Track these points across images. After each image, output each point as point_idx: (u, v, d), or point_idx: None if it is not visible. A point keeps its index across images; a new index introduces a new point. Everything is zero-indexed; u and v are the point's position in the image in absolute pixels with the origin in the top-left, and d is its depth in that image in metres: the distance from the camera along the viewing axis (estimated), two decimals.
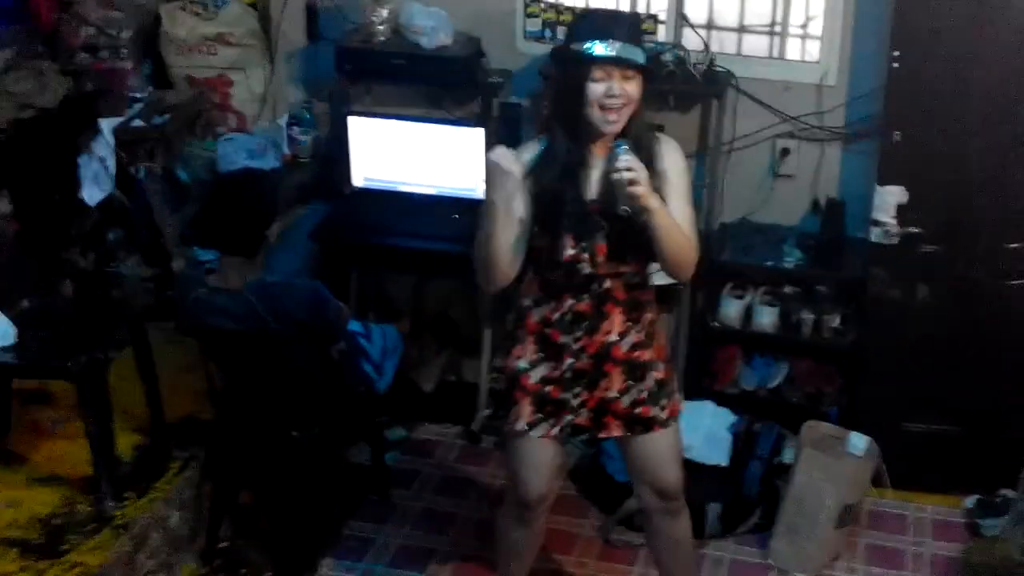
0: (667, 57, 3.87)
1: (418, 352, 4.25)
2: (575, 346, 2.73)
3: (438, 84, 4.18)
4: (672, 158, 2.68)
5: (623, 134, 2.60)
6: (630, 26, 2.61)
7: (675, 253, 2.62)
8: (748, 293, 4.02)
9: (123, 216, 4.03)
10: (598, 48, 2.52)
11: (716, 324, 4.01)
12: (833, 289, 3.95)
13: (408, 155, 4.02)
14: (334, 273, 3.98)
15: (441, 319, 4.39)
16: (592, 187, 2.66)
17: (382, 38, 4.13)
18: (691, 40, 4.02)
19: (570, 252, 2.65)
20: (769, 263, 3.95)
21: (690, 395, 4.01)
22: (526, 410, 2.78)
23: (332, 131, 4.35)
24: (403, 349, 3.78)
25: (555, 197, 2.63)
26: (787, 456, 3.68)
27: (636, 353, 2.76)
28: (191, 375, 3.65)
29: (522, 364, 2.78)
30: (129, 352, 3.40)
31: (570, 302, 2.71)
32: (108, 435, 3.21)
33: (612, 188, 2.54)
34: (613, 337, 2.73)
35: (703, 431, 3.72)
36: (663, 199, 2.60)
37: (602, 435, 2.84)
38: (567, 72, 2.60)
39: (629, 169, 2.48)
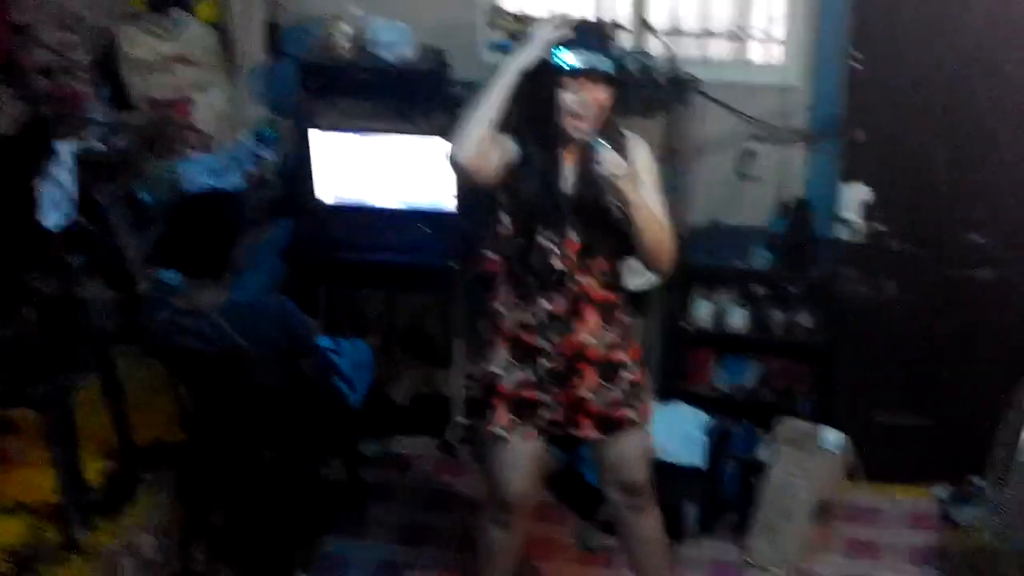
0: (631, 64, 3.88)
1: (390, 366, 4.23)
2: (549, 349, 2.75)
3: (403, 97, 4.17)
4: (641, 155, 2.74)
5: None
6: (600, 35, 2.67)
7: (656, 244, 2.66)
8: (719, 295, 4.04)
9: (86, 240, 3.99)
10: (568, 58, 2.57)
11: (688, 327, 4.02)
12: (802, 288, 3.97)
13: (374, 169, 4.01)
14: (302, 290, 3.95)
15: (412, 332, 4.38)
16: (564, 186, 2.70)
17: (345, 53, 4.12)
18: (654, 46, 4.03)
19: (544, 244, 2.69)
20: (739, 264, 3.97)
21: (664, 397, 4.02)
22: (503, 415, 2.80)
23: (296, 148, 4.33)
24: (375, 363, 3.76)
25: (530, 200, 2.67)
26: (762, 454, 3.69)
27: (611, 354, 2.78)
28: (158, 398, 3.60)
29: (496, 369, 2.80)
30: (95, 377, 3.36)
31: (543, 304, 2.73)
32: (75, 462, 3.17)
33: (595, 183, 2.60)
34: (587, 338, 2.75)
35: (678, 433, 3.72)
36: None
37: (575, 433, 2.85)
38: (538, 81, 2.63)
39: (613, 163, 2.55)
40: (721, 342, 4.07)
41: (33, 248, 3.80)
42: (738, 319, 3.98)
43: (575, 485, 3.74)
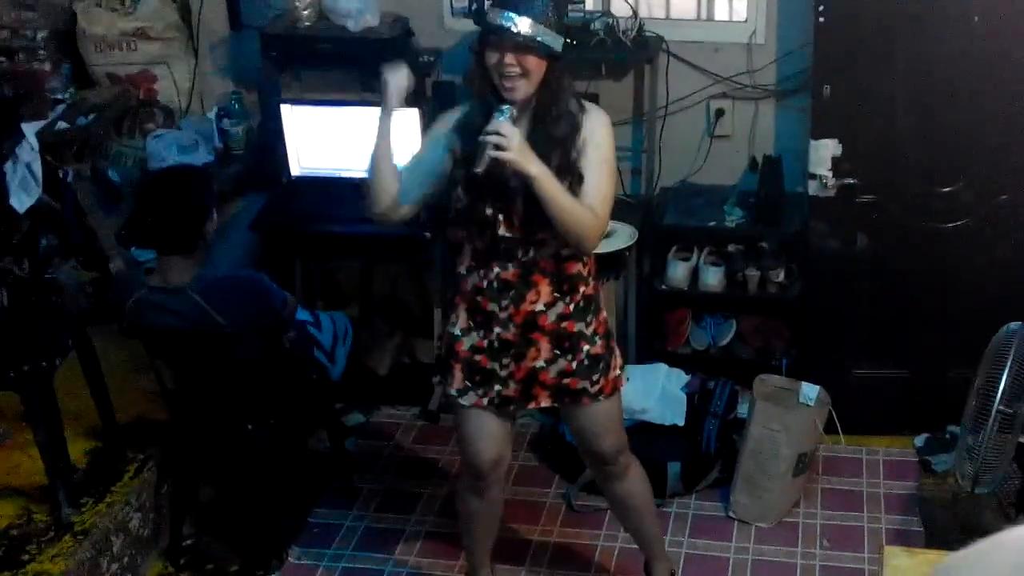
0: (596, 25, 3.88)
1: (370, 336, 4.23)
2: (502, 315, 2.73)
3: (368, 66, 4.12)
4: (593, 129, 2.66)
5: (538, 102, 2.59)
6: (542, 4, 2.54)
7: (564, 222, 2.58)
8: (693, 254, 4.06)
9: (55, 221, 3.94)
10: (491, 17, 2.54)
11: (664, 287, 4.04)
12: (776, 244, 3.99)
13: (343, 140, 3.98)
14: (278, 263, 3.94)
15: (391, 302, 4.37)
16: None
17: (307, 23, 4.07)
18: (619, 7, 4.03)
19: (491, 217, 2.66)
20: (711, 223, 3.99)
21: (642, 358, 4.06)
22: (457, 376, 2.81)
23: (263, 121, 4.30)
24: (354, 334, 3.76)
25: (471, 160, 2.61)
26: (741, 411, 3.74)
27: (564, 324, 2.75)
28: (138, 376, 3.59)
29: (456, 331, 2.80)
30: (74, 358, 3.34)
31: (497, 270, 2.71)
32: (60, 442, 3.16)
33: (479, 147, 2.54)
34: (539, 307, 2.73)
35: (658, 393, 3.76)
36: (579, 170, 2.61)
37: (531, 406, 2.85)
38: (478, 35, 2.64)
39: (498, 133, 2.49)
40: (697, 301, 4.09)
41: (4, 231, 3.76)
42: (713, 278, 4.01)
43: (558, 447, 3.77)
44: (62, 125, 4.02)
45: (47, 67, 4.24)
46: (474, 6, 4.11)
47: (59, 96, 4.18)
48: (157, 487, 3.39)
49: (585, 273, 2.77)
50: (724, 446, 3.70)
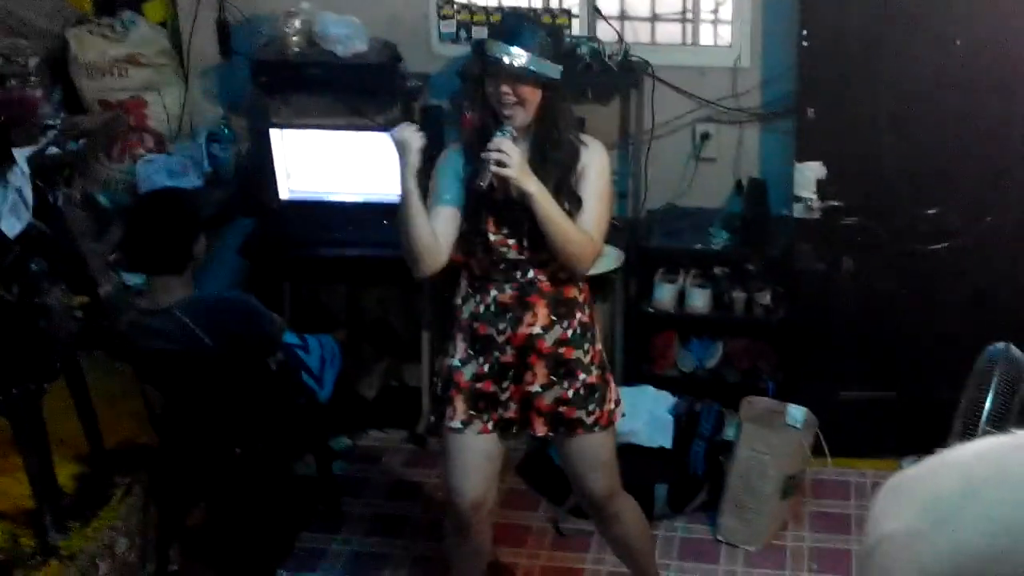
0: (583, 50, 3.91)
1: (358, 360, 4.24)
2: (500, 339, 2.75)
3: (356, 92, 4.16)
4: (592, 159, 2.74)
5: (537, 128, 2.68)
6: (538, 34, 2.65)
7: (560, 242, 2.65)
8: (680, 277, 4.08)
9: (44, 245, 3.95)
10: (489, 49, 2.62)
11: (651, 309, 4.06)
12: (761, 267, 4.01)
13: (332, 164, 4.01)
14: (266, 287, 3.95)
15: (379, 325, 4.38)
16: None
17: (296, 49, 4.10)
18: (605, 32, 4.07)
19: (493, 237, 2.71)
20: (698, 246, 4.01)
21: (629, 381, 4.07)
22: (460, 407, 2.80)
23: (252, 145, 4.32)
24: (342, 358, 3.77)
25: (478, 191, 2.67)
26: (729, 433, 3.74)
27: (561, 349, 2.77)
28: (127, 400, 3.59)
29: (455, 362, 2.80)
30: (61, 382, 3.34)
31: (494, 293, 2.74)
32: (47, 466, 3.15)
33: (481, 164, 2.62)
34: (536, 330, 2.75)
35: (645, 415, 3.76)
36: (578, 195, 2.68)
37: (528, 432, 2.85)
38: (478, 66, 2.74)
39: (499, 151, 2.57)
40: (683, 324, 4.11)
41: None
42: (699, 300, 4.03)
43: (547, 471, 3.77)
44: (53, 150, 4.02)
45: (39, 93, 4.24)
46: (462, 34, 4.16)
47: (50, 122, 4.18)
48: (144, 511, 3.38)
49: (581, 300, 2.80)
50: (711, 468, 3.71)
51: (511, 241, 2.71)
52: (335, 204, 4.03)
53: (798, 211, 3.72)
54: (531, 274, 2.73)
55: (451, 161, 2.78)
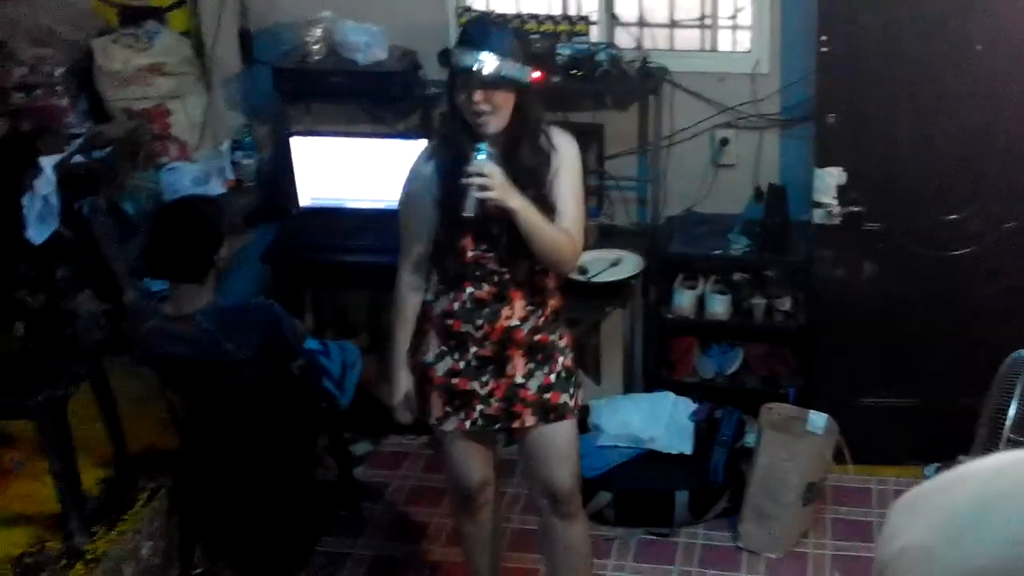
0: (601, 57, 3.92)
1: (378, 366, 4.25)
2: (477, 334, 2.73)
3: (377, 99, 4.20)
4: (564, 154, 2.70)
5: (510, 133, 2.61)
6: (506, 38, 2.58)
7: (545, 250, 2.64)
8: (699, 283, 4.08)
9: (71, 252, 4.00)
10: (457, 58, 2.56)
11: (670, 316, 4.06)
12: (781, 273, 4.01)
13: (352, 171, 4.04)
14: (288, 293, 3.98)
15: None
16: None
17: (318, 57, 4.14)
18: (623, 38, 4.08)
19: (471, 253, 2.69)
20: (717, 252, 4.01)
21: (650, 387, 4.08)
22: (436, 404, 2.79)
23: (274, 153, 4.36)
24: (363, 364, 3.79)
25: (453, 200, 2.62)
26: (749, 440, 3.74)
27: (537, 337, 2.76)
28: (150, 405, 3.63)
29: (428, 358, 2.79)
30: (87, 388, 3.38)
31: (470, 290, 2.71)
32: (73, 471, 3.20)
33: (463, 190, 2.56)
34: (514, 321, 2.73)
35: (665, 421, 3.77)
36: (552, 194, 2.65)
37: (515, 425, 2.80)
38: (448, 75, 2.67)
39: (480, 175, 2.52)
40: (703, 330, 4.11)
41: (20, 263, 3.82)
42: (719, 306, 4.02)
43: None
44: (79, 159, 4.08)
45: (64, 102, 4.31)
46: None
47: (76, 130, 4.24)
48: (168, 516, 3.41)
49: (552, 287, 2.79)
50: (732, 475, 3.70)
51: (490, 254, 2.68)
52: (355, 211, 4.06)
53: (818, 217, 3.71)
54: (508, 275, 2.71)
55: (421, 179, 2.71)
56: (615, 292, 3.82)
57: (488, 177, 2.53)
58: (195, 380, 3.36)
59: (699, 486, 3.68)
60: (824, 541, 3.60)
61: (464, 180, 2.55)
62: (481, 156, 2.55)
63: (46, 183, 3.97)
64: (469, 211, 2.56)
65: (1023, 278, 3.66)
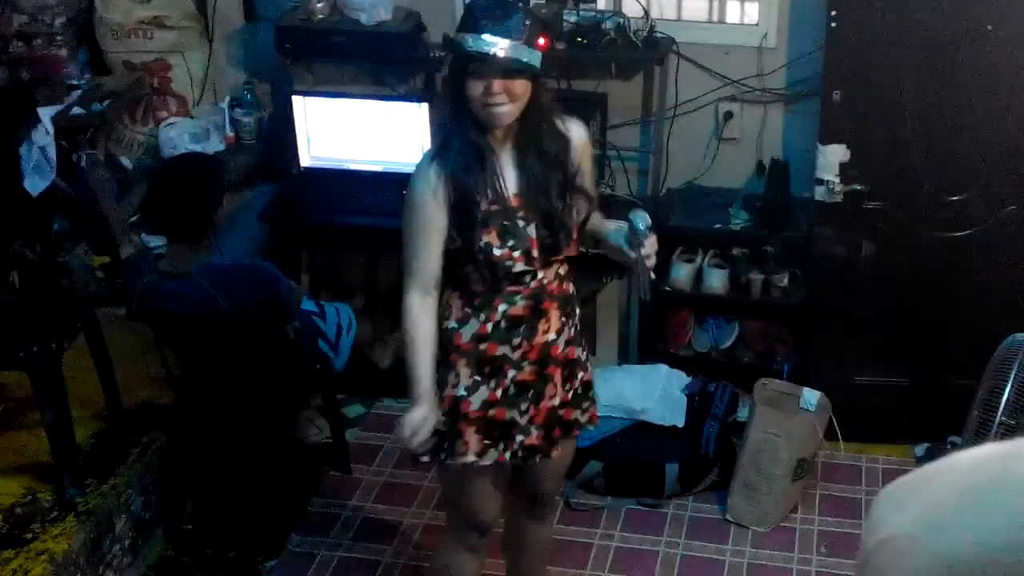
0: (607, 25, 3.90)
1: (373, 329, 4.25)
2: (514, 355, 2.50)
3: (379, 60, 4.17)
4: (582, 143, 2.53)
5: (524, 124, 2.41)
6: (524, 18, 2.32)
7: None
8: (697, 256, 4.07)
9: (67, 205, 3.98)
10: (468, 43, 2.29)
11: (667, 288, 4.05)
12: (780, 249, 4.00)
13: (353, 132, 4.01)
14: (285, 253, 3.97)
15: (395, 295, 4.37)
16: (507, 180, 2.45)
17: (321, 16, 4.10)
18: (631, 7, 4.04)
19: (497, 252, 2.43)
20: (717, 226, 4.00)
21: (644, 359, 4.08)
22: (473, 440, 2.52)
23: (275, 111, 4.33)
24: (358, 326, 3.78)
25: (471, 199, 2.42)
26: (742, 414, 3.75)
27: (569, 350, 2.60)
28: (145, 360, 3.63)
29: (460, 392, 2.50)
30: (81, 341, 3.37)
31: (503, 307, 2.48)
32: (66, 423, 3.19)
33: (540, 177, 2.41)
34: (551, 336, 2.53)
35: (658, 393, 3.77)
36: (581, 182, 2.52)
37: (554, 454, 2.61)
38: (452, 63, 2.42)
39: (653, 253, 2.43)
40: (700, 303, 4.10)
41: (17, 214, 3.80)
42: (716, 280, 4.01)
43: None
44: (77, 111, 4.06)
45: (64, 53, 4.27)
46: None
47: (75, 82, 4.22)
48: (160, 471, 3.42)
49: (573, 293, 2.64)
50: (723, 449, 3.71)
51: (516, 253, 2.43)
52: (355, 172, 4.04)
53: (820, 194, 3.70)
54: (540, 278, 2.49)
55: (428, 185, 2.42)
56: (613, 263, 3.80)
57: (656, 250, 2.41)
58: (190, 337, 3.35)
59: (690, 459, 3.69)
60: (812, 516, 3.62)
61: (638, 267, 2.41)
62: (643, 225, 2.39)
63: (43, 134, 3.95)
64: (647, 295, 2.45)
65: (1022, 262, 3.66)
